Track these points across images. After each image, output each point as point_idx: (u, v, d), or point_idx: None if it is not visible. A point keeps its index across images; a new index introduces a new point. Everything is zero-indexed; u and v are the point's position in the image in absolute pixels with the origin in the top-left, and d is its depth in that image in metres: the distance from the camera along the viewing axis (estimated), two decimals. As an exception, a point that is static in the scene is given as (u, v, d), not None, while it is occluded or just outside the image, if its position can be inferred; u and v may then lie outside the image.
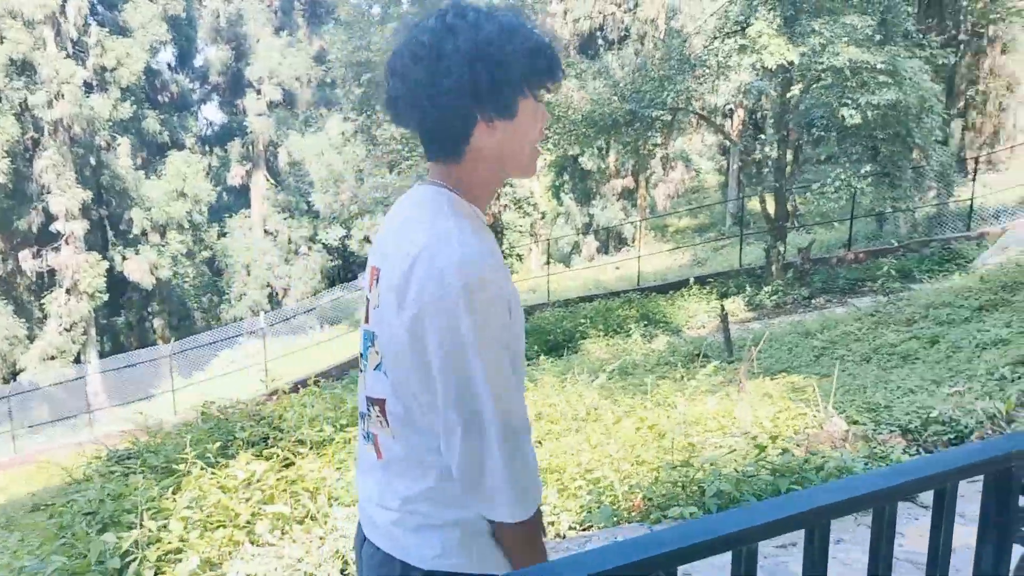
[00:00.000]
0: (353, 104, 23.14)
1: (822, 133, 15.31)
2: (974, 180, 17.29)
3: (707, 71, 16.08)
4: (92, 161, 28.25)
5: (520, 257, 28.80)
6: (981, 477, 1.37)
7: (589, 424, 5.75)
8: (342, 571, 4.00)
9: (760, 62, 14.06)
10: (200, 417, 6.26)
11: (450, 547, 1.39)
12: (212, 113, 38.35)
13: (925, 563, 2.44)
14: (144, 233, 29.58)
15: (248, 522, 4.09)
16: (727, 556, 1.19)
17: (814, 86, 14.54)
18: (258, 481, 4.36)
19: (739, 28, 15.06)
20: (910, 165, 14.80)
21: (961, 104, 20.51)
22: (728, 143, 25.07)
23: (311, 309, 24.79)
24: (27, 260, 27.42)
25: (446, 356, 1.28)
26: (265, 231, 33.73)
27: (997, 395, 5.53)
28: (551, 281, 20.52)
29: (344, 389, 7.16)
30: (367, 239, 32.72)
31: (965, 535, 1.38)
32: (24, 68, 26.48)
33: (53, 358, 26.01)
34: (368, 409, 1.48)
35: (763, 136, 19.25)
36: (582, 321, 14.75)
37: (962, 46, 19.06)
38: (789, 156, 16.69)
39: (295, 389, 7.34)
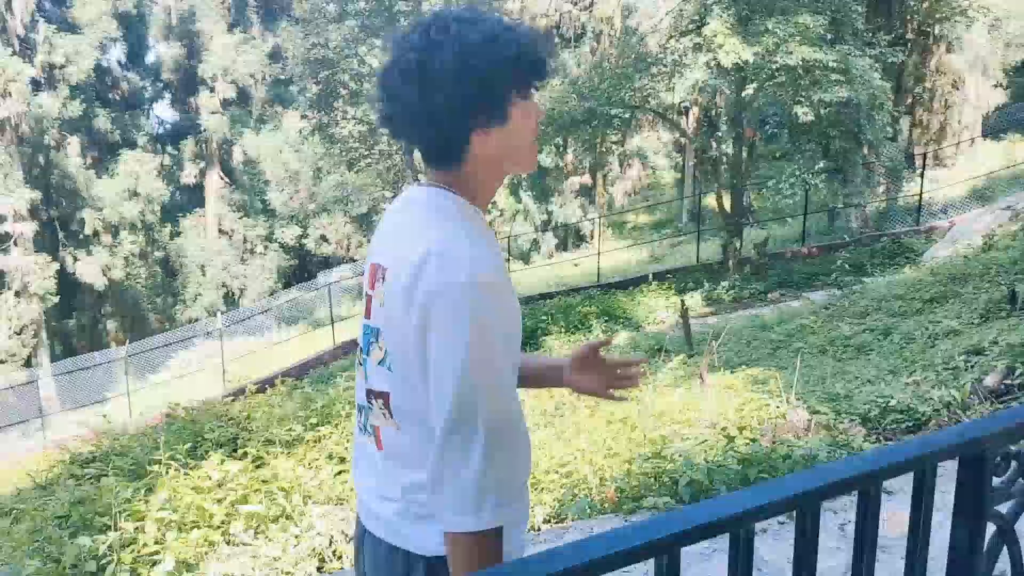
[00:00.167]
0: (311, 102, 22.95)
1: (776, 130, 15.58)
2: (922, 176, 17.70)
3: (663, 69, 16.26)
4: (41, 160, 27.58)
5: (479, 255, 28.71)
6: (950, 464, 1.46)
7: (558, 419, 5.82)
8: (319, 569, 4.02)
9: (715, 61, 14.25)
10: (166, 418, 6.21)
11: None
12: (164, 111, 37.59)
13: (891, 547, 2.56)
14: (96, 234, 28.95)
15: (223, 522, 4.09)
16: (712, 550, 1.25)
17: (768, 84, 14.78)
18: (231, 481, 4.36)
19: (694, 27, 15.26)
20: (861, 161, 15.15)
21: (909, 101, 20.96)
22: (684, 140, 25.34)
23: (268, 309, 24.53)
24: (-26, 263, 26.71)
25: (446, 354, 1.30)
26: (220, 231, 33.22)
27: (952, 384, 5.72)
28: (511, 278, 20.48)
29: (313, 388, 7.12)
30: (324, 238, 32.43)
31: (939, 517, 1.47)
32: (-32, 65, 25.78)
33: (3, 362, 25.34)
34: (369, 402, 1.50)
35: (719, 133, 19.48)
36: (543, 318, 14.78)
37: (909, 44, 19.49)
38: (744, 153, 16.96)
39: (261, 389, 7.30)
